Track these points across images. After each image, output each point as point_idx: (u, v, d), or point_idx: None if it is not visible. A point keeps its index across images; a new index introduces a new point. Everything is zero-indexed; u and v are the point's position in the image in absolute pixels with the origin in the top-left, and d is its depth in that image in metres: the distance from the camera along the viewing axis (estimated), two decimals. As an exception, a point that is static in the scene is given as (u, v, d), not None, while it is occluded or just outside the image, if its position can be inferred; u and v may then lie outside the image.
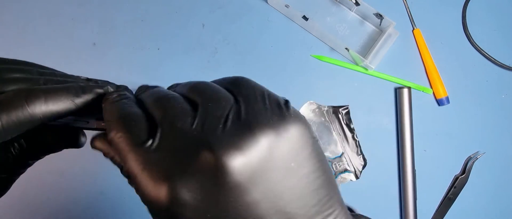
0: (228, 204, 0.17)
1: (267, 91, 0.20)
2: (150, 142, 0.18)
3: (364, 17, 0.52)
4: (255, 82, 0.20)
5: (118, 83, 0.25)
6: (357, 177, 0.49)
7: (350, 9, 0.52)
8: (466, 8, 0.53)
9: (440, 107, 0.52)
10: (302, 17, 0.49)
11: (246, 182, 0.17)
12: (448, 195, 0.51)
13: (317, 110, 0.50)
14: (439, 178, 0.51)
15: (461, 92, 0.52)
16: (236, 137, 0.17)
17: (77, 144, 0.26)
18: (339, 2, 0.52)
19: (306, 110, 0.50)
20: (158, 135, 0.18)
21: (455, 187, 0.51)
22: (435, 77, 0.51)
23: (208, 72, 0.50)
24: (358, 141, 0.50)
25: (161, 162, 0.17)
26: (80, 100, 0.22)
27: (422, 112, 0.51)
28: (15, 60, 0.25)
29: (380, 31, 0.52)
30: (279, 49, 0.51)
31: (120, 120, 0.19)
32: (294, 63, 0.51)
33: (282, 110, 0.19)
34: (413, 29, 0.52)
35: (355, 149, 0.49)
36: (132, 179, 0.18)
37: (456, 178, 0.51)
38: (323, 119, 0.50)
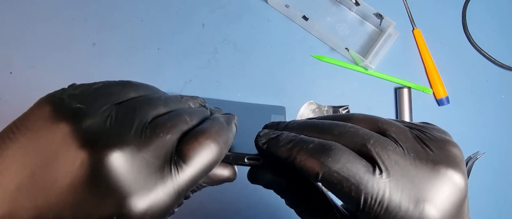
0: (461, 212, 0.20)
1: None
2: (375, 169, 0.19)
3: (364, 17, 0.52)
4: None
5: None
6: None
7: (350, 9, 0.52)
8: (466, 8, 0.53)
9: (440, 107, 0.52)
10: (302, 17, 0.49)
11: (466, 191, 0.20)
12: (448, 195, 0.51)
13: (317, 110, 0.50)
14: (439, 178, 0.51)
15: (461, 92, 0.52)
16: (444, 151, 0.21)
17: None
18: (339, 2, 0.52)
19: (306, 110, 0.50)
20: (378, 160, 0.19)
21: (455, 187, 0.51)
22: (435, 77, 0.51)
23: (208, 72, 0.50)
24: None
25: (401, 185, 0.19)
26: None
27: (422, 112, 0.51)
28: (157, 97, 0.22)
29: (380, 31, 0.52)
30: (279, 49, 0.51)
31: (342, 155, 0.19)
32: (294, 63, 0.51)
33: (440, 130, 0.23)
34: (413, 29, 0.52)
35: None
36: (370, 203, 0.19)
37: (456, 178, 0.51)
38: (323, 119, 0.50)
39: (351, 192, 0.19)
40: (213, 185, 0.24)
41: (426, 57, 0.52)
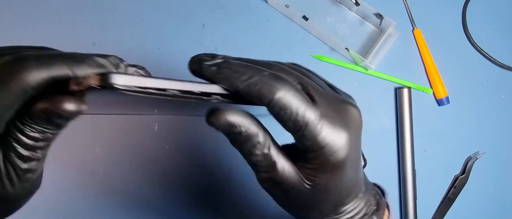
0: (359, 140, 0.26)
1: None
2: (315, 104, 0.23)
3: (364, 17, 0.52)
4: None
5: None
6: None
7: (350, 9, 0.52)
8: (466, 8, 0.53)
9: (440, 107, 0.52)
10: (302, 17, 0.49)
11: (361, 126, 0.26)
12: (448, 195, 0.51)
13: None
14: (439, 178, 0.51)
15: (461, 92, 0.52)
16: (347, 96, 0.27)
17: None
18: (339, 2, 0.52)
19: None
20: (319, 100, 0.24)
21: (455, 187, 0.51)
22: (435, 77, 0.51)
23: (208, 72, 0.50)
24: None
25: (327, 115, 0.23)
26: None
27: (422, 112, 0.51)
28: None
29: (380, 31, 0.52)
30: (279, 49, 0.51)
31: (281, 80, 0.23)
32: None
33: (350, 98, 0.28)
34: (413, 29, 0.52)
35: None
36: (307, 128, 0.23)
37: (456, 178, 0.51)
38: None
39: (297, 116, 0.23)
40: (57, 123, 0.21)
41: (426, 57, 0.52)
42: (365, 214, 0.27)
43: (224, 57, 0.26)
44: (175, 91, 0.23)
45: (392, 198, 0.51)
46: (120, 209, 0.48)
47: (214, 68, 0.24)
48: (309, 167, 0.24)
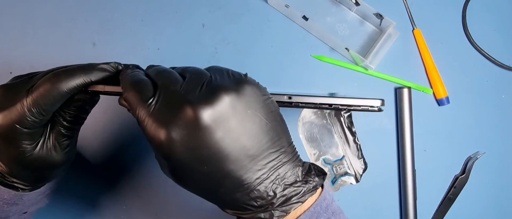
0: (202, 140, 0.26)
1: (231, 69, 0.30)
2: (152, 99, 0.27)
3: (364, 17, 0.52)
4: (223, 67, 0.30)
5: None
6: (357, 181, 0.49)
7: (350, 9, 0.52)
8: (466, 8, 0.53)
9: (440, 107, 0.52)
10: (302, 17, 0.49)
11: (214, 124, 0.26)
12: (448, 195, 0.51)
13: (319, 112, 0.50)
14: (439, 178, 0.51)
15: (461, 92, 0.52)
16: (208, 95, 0.27)
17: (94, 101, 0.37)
18: (339, 2, 0.52)
19: (307, 111, 0.50)
20: (157, 94, 0.27)
21: (455, 187, 0.51)
22: (435, 77, 0.51)
23: (208, 72, 0.50)
24: (359, 145, 0.49)
25: (159, 113, 0.26)
26: (93, 76, 0.32)
27: (422, 112, 0.51)
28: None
29: (380, 31, 0.52)
30: (279, 49, 0.51)
31: (132, 84, 0.29)
32: (294, 63, 0.51)
33: (241, 78, 0.29)
34: (413, 29, 0.52)
35: (356, 152, 0.49)
36: (140, 124, 0.27)
37: (456, 178, 0.51)
38: (324, 121, 0.50)
39: (135, 113, 0.28)
40: (78, 111, 0.35)
41: (426, 57, 0.52)
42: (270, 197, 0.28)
43: (136, 67, 0.34)
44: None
45: (392, 198, 0.51)
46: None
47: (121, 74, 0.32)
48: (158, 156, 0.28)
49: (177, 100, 0.26)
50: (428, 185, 0.51)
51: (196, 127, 0.26)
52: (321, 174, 0.30)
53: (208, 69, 0.30)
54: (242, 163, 0.27)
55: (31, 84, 0.31)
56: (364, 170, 0.49)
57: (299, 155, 0.30)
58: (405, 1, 0.53)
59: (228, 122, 0.26)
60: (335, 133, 0.49)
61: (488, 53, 0.52)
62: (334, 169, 0.48)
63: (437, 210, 0.51)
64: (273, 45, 0.51)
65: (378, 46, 0.49)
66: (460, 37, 0.53)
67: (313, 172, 0.30)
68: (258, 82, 0.29)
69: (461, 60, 0.53)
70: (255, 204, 0.28)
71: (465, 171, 0.51)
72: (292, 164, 0.29)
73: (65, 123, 0.34)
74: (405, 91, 0.50)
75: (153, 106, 0.27)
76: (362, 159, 0.49)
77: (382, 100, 0.35)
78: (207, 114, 0.26)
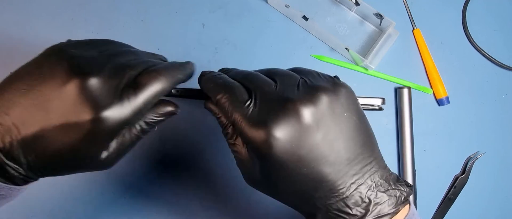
0: (304, 139, 0.26)
1: (319, 71, 0.30)
2: (249, 101, 0.27)
3: (364, 17, 0.52)
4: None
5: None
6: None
7: (350, 9, 0.52)
8: (466, 8, 0.53)
9: (440, 107, 0.52)
10: (302, 17, 0.49)
11: (315, 124, 0.26)
12: (448, 195, 0.51)
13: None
14: (439, 178, 0.51)
15: (461, 92, 0.52)
16: (307, 95, 0.27)
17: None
18: (339, 2, 0.52)
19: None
20: (254, 96, 0.28)
21: (455, 187, 0.51)
22: (435, 77, 0.51)
23: (208, 72, 0.50)
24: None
25: (260, 113, 0.27)
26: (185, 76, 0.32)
27: (422, 112, 0.51)
28: (120, 43, 0.33)
29: (380, 31, 0.52)
30: (279, 49, 0.51)
31: (225, 87, 0.29)
32: (294, 63, 0.51)
33: (335, 80, 0.29)
34: (413, 29, 0.52)
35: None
36: (237, 127, 0.27)
37: (456, 178, 0.51)
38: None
39: (227, 115, 0.28)
40: (161, 119, 0.32)
41: (426, 57, 0.52)
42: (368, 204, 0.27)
43: (222, 70, 0.34)
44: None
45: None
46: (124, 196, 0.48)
47: (201, 76, 0.32)
48: (254, 159, 0.28)
49: (277, 99, 0.27)
50: (428, 185, 0.51)
51: (299, 125, 0.26)
52: (407, 185, 0.29)
53: (294, 70, 0.30)
54: (339, 166, 0.26)
55: (128, 78, 0.29)
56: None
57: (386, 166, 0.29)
58: (405, 1, 0.53)
59: (327, 122, 0.26)
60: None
61: (488, 53, 0.52)
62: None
63: (437, 210, 0.51)
64: (273, 45, 0.51)
65: (378, 46, 0.49)
66: (460, 37, 0.53)
67: (402, 182, 0.29)
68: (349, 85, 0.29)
69: (461, 60, 0.53)
70: (350, 211, 0.26)
71: (465, 171, 0.51)
72: (383, 171, 0.28)
73: (138, 128, 0.31)
74: (405, 91, 0.50)
75: (252, 107, 0.27)
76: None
77: (383, 99, 0.35)
78: (310, 113, 0.26)
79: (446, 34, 0.53)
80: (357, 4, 0.49)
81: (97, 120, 0.26)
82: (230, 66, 0.52)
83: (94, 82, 0.26)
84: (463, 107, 0.52)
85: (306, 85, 0.27)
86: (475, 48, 0.53)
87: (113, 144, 0.29)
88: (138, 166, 0.48)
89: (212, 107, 0.31)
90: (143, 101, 0.28)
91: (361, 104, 0.33)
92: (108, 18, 0.51)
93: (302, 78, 0.28)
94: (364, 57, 0.49)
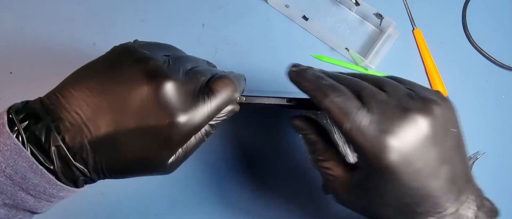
0: (421, 150, 0.25)
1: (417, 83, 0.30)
2: (364, 109, 0.26)
3: (364, 17, 0.52)
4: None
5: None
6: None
7: (350, 9, 0.52)
8: (466, 8, 0.53)
9: (440, 107, 0.52)
10: (302, 17, 0.49)
11: (433, 136, 0.25)
12: (448, 195, 0.51)
13: (319, 112, 0.50)
14: (439, 178, 0.51)
15: (461, 92, 0.52)
16: (423, 105, 0.26)
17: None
18: (339, 2, 0.52)
19: (307, 111, 0.50)
20: (368, 104, 0.26)
21: (455, 187, 0.51)
22: (435, 77, 0.51)
23: (208, 72, 0.51)
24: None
25: (379, 122, 0.25)
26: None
27: (422, 112, 0.51)
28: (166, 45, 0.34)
29: (380, 31, 0.52)
30: (279, 49, 0.51)
31: (336, 90, 0.27)
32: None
33: (440, 93, 0.28)
34: (413, 29, 0.52)
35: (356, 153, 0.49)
36: (350, 134, 0.26)
37: (456, 178, 0.51)
38: (324, 121, 0.50)
39: (342, 119, 0.26)
40: (224, 119, 0.32)
41: (426, 57, 0.52)
42: None
43: (310, 67, 0.32)
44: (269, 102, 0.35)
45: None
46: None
47: (293, 73, 0.31)
48: (361, 170, 0.27)
49: (395, 109, 0.26)
50: (428, 185, 0.51)
51: (419, 137, 0.25)
52: (495, 210, 0.30)
53: (393, 79, 0.30)
54: (445, 182, 0.26)
55: (201, 83, 0.29)
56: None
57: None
58: (405, 1, 0.53)
59: (440, 136, 0.26)
60: (335, 133, 0.49)
61: (488, 53, 0.52)
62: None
63: (437, 210, 0.51)
64: (273, 45, 0.51)
65: (378, 46, 0.49)
66: (460, 37, 0.53)
67: (494, 208, 0.30)
68: None
69: (461, 60, 0.53)
70: None
71: (465, 171, 0.51)
72: (480, 192, 0.29)
73: (203, 132, 0.32)
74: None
75: (369, 116, 0.26)
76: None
77: None
78: (429, 124, 0.25)
79: (446, 34, 0.53)
80: (357, 4, 0.49)
81: (174, 125, 0.27)
82: (230, 66, 0.52)
83: (172, 86, 0.27)
84: (463, 107, 0.52)
85: (418, 97, 0.27)
86: (475, 48, 0.53)
87: (180, 149, 0.30)
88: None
89: (299, 123, 0.32)
90: (216, 106, 0.29)
91: None
92: (108, 18, 0.51)
93: (408, 88, 0.28)
94: (364, 57, 0.49)
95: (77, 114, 0.26)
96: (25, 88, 0.49)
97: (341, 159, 0.30)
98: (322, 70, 0.31)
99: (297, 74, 0.30)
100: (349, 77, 0.30)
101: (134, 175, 0.30)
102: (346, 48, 0.49)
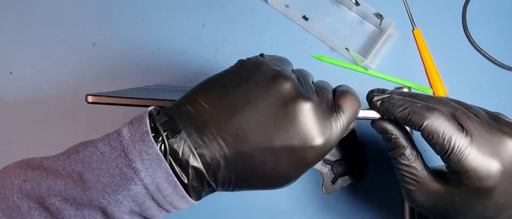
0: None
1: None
2: (465, 132, 0.28)
3: (364, 17, 0.52)
4: None
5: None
6: (357, 181, 0.49)
7: (350, 9, 0.52)
8: (466, 8, 0.53)
9: (440, 107, 0.52)
10: (302, 17, 0.49)
11: None
12: (448, 195, 0.51)
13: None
14: (439, 178, 0.51)
15: (461, 92, 0.52)
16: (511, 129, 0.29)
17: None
18: (339, 2, 0.52)
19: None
20: (466, 127, 0.28)
21: (455, 187, 0.51)
22: (435, 77, 0.51)
23: (208, 72, 0.51)
24: (360, 145, 0.49)
25: (479, 144, 0.27)
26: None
27: (422, 112, 0.51)
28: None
29: (380, 31, 0.52)
30: (279, 49, 0.51)
31: (433, 112, 0.29)
32: (294, 63, 0.51)
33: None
34: (413, 29, 0.52)
35: (356, 152, 0.49)
36: (454, 157, 0.27)
37: (456, 178, 0.51)
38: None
39: (444, 141, 0.27)
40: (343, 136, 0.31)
41: (426, 57, 0.52)
42: None
43: (390, 92, 0.33)
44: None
45: (393, 198, 0.51)
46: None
47: (379, 102, 0.31)
48: (453, 186, 0.29)
49: (492, 132, 0.28)
50: (428, 185, 0.51)
51: None
52: None
53: (459, 103, 0.32)
54: None
55: (329, 100, 0.29)
56: (365, 170, 0.49)
57: None
58: (405, 1, 0.53)
59: None
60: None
61: (488, 53, 0.52)
62: (334, 169, 0.48)
63: (437, 210, 0.51)
64: (273, 45, 0.51)
65: (378, 46, 0.49)
66: (460, 37, 0.53)
67: None
68: None
69: (461, 60, 0.53)
70: None
71: (465, 171, 0.51)
72: None
73: None
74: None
75: (468, 139, 0.27)
76: (362, 159, 0.49)
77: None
78: None
79: (446, 34, 0.53)
80: (357, 4, 0.49)
81: (314, 148, 0.27)
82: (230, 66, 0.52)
83: (311, 108, 0.27)
84: (463, 107, 0.52)
85: (502, 121, 0.29)
86: (475, 48, 0.53)
87: None
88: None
89: (389, 126, 0.31)
90: (347, 124, 0.29)
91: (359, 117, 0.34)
92: (108, 18, 0.51)
93: (484, 111, 0.31)
94: (364, 57, 0.49)
95: (211, 130, 0.26)
96: (25, 88, 0.49)
97: (425, 164, 0.32)
98: (399, 91, 0.33)
99: (383, 103, 0.31)
100: (434, 96, 0.31)
101: (258, 188, 0.29)
102: (346, 48, 0.49)
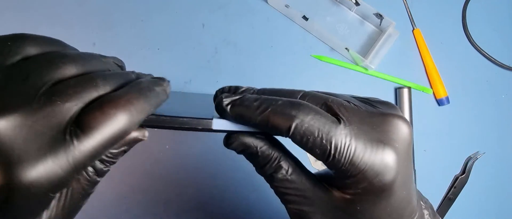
0: (410, 153, 0.23)
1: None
2: (343, 123, 0.21)
3: (364, 17, 0.52)
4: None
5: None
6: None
7: (350, 9, 0.52)
8: (466, 8, 0.53)
9: (440, 107, 0.52)
10: (302, 17, 0.49)
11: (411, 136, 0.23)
12: (448, 195, 0.51)
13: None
14: (439, 178, 0.51)
15: (461, 92, 0.52)
16: (389, 108, 0.23)
17: None
18: (339, 2, 0.52)
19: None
20: (350, 118, 0.21)
21: (455, 187, 0.51)
22: (435, 77, 0.51)
23: (208, 72, 0.50)
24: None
25: (371, 132, 0.21)
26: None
27: (422, 112, 0.51)
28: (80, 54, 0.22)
29: (380, 31, 0.52)
30: (279, 49, 0.51)
31: (305, 108, 0.21)
32: (294, 63, 0.51)
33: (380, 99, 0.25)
34: (413, 29, 0.52)
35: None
36: (341, 154, 0.20)
37: (456, 178, 0.51)
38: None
39: (322, 141, 0.20)
40: (122, 151, 0.22)
41: (426, 57, 0.52)
42: None
43: (244, 91, 0.25)
44: (207, 129, 0.23)
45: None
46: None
47: (229, 107, 0.22)
48: (351, 193, 0.22)
49: (373, 115, 0.22)
50: (428, 185, 0.51)
51: (406, 140, 0.23)
52: (432, 206, 0.29)
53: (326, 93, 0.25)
54: (414, 186, 0.26)
55: (66, 113, 0.18)
56: None
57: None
58: (405, 1, 0.53)
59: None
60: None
61: (488, 53, 0.52)
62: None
63: (437, 210, 0.51)
64: (273, 45, 0.51)
65: (378, 46, 0.49)
66: (460, 37, 0.53)
67: (431, 205, 0.29)
68: None
69: (461, 60, 0.53)
70: None
71: (465, 171, 0.51)
72: (419, 194, 0.28)
73: (92, 171, 0.22)
74: (405, 91, 0.50)
75: (347, 130, 0.21)
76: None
77: None
78: (408, 125, 0.24)
79: (446, 34, 0.53)
80: (357, 4, 0.49)
81: (15, 186, 0.17)
82: (230, 66, 0.52)
83: (7, 125, 0.16)
84: (463, 107, 0.52)
85: (377, 102, 0.24)
86: (475, 48, 0.53)
87: (54, 205, 0.21)
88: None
89: (248, 139, 0.23)
90: (90, 151, 0.18)
91: None
92: (108, 18, 0.51)
93: (356, 97, 0.24)
94: (364, 57, 0.49)
95: None
96: (25, 88, 0.49)
97: (309, 172, 0.24)
98: (256, 88, 0.25)
99: (234, 106, 0.22)
100: (298, 90, 0.24)
101: None
102: (346, 48, 0.49)
